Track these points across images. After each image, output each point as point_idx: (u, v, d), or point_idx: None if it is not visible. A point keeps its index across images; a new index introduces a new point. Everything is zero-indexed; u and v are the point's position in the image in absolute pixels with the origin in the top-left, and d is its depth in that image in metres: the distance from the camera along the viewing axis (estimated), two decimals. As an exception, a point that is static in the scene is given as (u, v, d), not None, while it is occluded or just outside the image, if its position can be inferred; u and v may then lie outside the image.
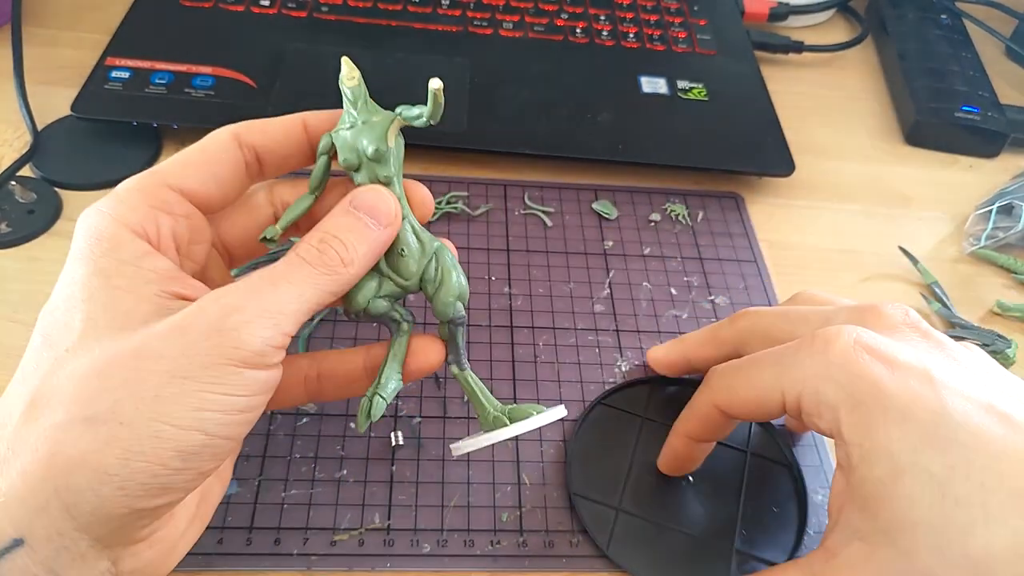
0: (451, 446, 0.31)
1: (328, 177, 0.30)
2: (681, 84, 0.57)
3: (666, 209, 0.50)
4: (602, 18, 0.61)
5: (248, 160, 0.29)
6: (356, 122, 0.29)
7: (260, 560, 0.33)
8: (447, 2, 0.60)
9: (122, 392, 0.22)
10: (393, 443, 0.37)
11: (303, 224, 0.30)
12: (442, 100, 0.27)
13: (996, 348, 0.44)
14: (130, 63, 0.51)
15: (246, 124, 0.29)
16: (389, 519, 0.35)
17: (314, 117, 0.30)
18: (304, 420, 0.37)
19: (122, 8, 0.55)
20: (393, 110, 0.29)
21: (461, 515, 0.35)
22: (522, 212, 0.49)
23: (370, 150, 0.28)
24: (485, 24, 0.59)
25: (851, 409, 0.27)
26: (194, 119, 0.49)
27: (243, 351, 0.23)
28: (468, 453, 0.33)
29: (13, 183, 0.45)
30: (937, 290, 0.48)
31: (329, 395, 0.32)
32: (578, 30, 0.60)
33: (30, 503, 0.22)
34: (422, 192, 0.31)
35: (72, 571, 0.22)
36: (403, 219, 0.29)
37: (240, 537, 0.33)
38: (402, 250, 0.29)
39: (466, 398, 0.33)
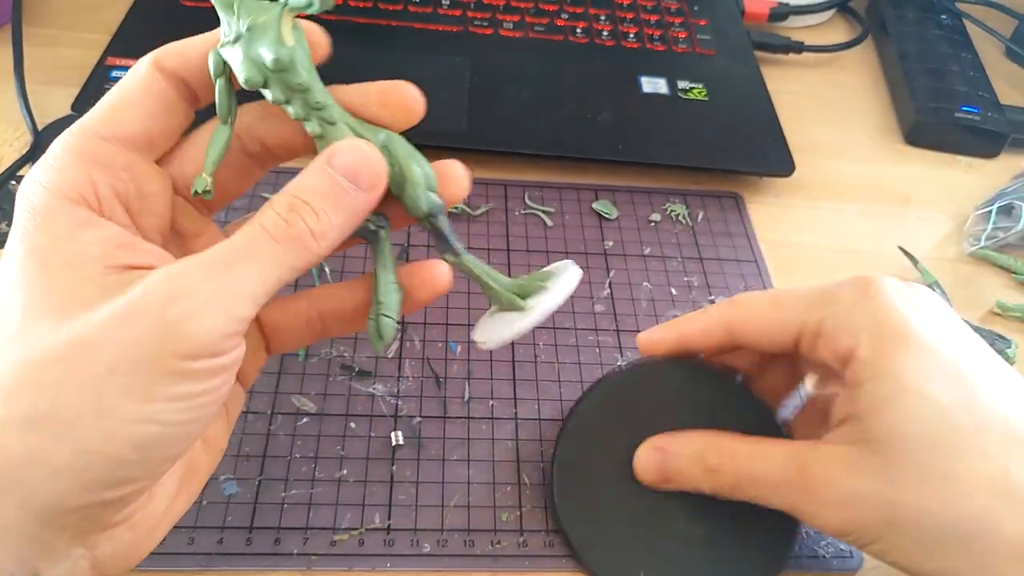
0: (476, 339, 0.29)
1: (235, 101, 0.26)
2: (681, 84, 0.57)
3: (666, 209, 0.50)
4: (602, 18, 0.61)
5: (178, 89, 0.26)
6: (240, 31, 0.25)
7: (260, 560, 0.33)
8: (447, 2, 0.60)
9: (62, 389, 0.21)
10: (393, 443, 0.37)
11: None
12: None
13: (996, 348, 0.44)
14: (130, 63, 0.51)
15: (163, 49, 0.26)
16: (389, 519, 0.35)
17: None
18: (304, 420, 0.37)
19: (122, 8, 0.55)
20: None
21: (461, 515, 0.35)
22: (522, 212, 0.49)
23: (268, 59, 0.24)
24: (485, 24, 0.59)
25: (875, 334, 0.28)
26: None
27: (191, 343, 0.21)
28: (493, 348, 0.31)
29: (13, 183, 0.45)
30: (937, 290, 0.48)
31: (335, 332, 0.30)
32: (578, 30, 0.60)
33: None
34: (454, 169, 0.27)
35: (45, 561, 0.21)
36: (341, 124, 0.25)
37: (240, 537, 0.33)
38: None
39: (474, 286, 0.29)
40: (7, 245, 0.23)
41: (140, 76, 0.25)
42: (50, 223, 0.23)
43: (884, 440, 0.27)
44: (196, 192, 0.25)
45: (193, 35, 0.56)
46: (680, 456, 0.32)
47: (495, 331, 0.28)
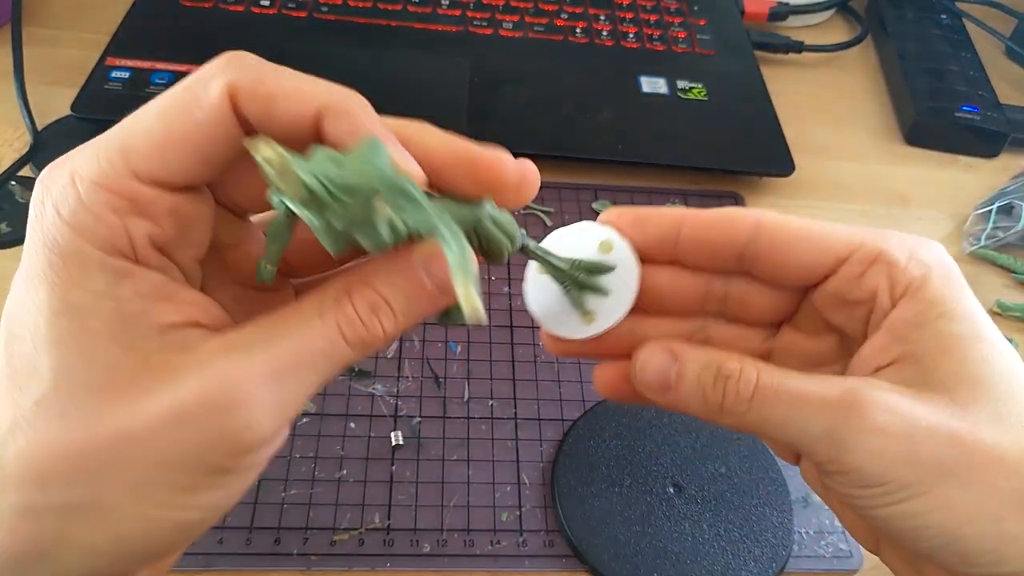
0: (533, 307, 0.26)
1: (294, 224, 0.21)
2: (681, 84, 0.57)
3: (666, 209, 0.50)
4: (602, 18, 0.61)
5: (248, 130, 0.21)
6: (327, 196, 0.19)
7: (260, 560, 0.33)
8: (447, 2, 0.60)
9: (106, 481, 0.19)
10: (393, 443, 0.37)
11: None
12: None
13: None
14: (130, 63, 0.51)
15: (248, 87, 0.20)
16: (389, 519, 0.35)
17: (333, 120, 0.20)
18: (304, 420, 0.37)
19: (122, 8, 0.55)
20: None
21: (461, 515, 0.35)
22: (522, 212, 0.49)
23: (370, 246, 0.20)
24: (485, 24, 0.59)
25: (944, 274, 0.23)
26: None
27: (245, 446, 0.20)
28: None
29: (13, 183, 0.45)
30: (937, 290, 0.48)
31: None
32: (578, 30, 0.60)
33: (17, 570, 0.20)
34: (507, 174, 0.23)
35: None
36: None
37: (240, 537, 0.33)
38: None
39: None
40: (26, 282, 0.20)
41: (210, 114, 0.20)
42: (84, 275, 0.20)
43: (953, 383, 0.22)
44: (260, 278, 0.22)
45: (193, 35, 0.55)
46: (694, 361, 0.24)
47: (556, 321, 0.26)
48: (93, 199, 0.20)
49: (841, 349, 0.26)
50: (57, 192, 0.20)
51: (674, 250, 0.26)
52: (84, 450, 0.19)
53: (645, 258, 0.26)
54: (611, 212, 0.26)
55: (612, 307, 0.26)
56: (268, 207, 0.21)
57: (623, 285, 0.26)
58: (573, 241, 0.26)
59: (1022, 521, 0.21)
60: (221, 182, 0.22)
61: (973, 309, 0.23)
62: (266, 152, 0.18)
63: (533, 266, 0.26)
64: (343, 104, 0.21)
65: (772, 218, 0.25)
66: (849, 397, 0.22)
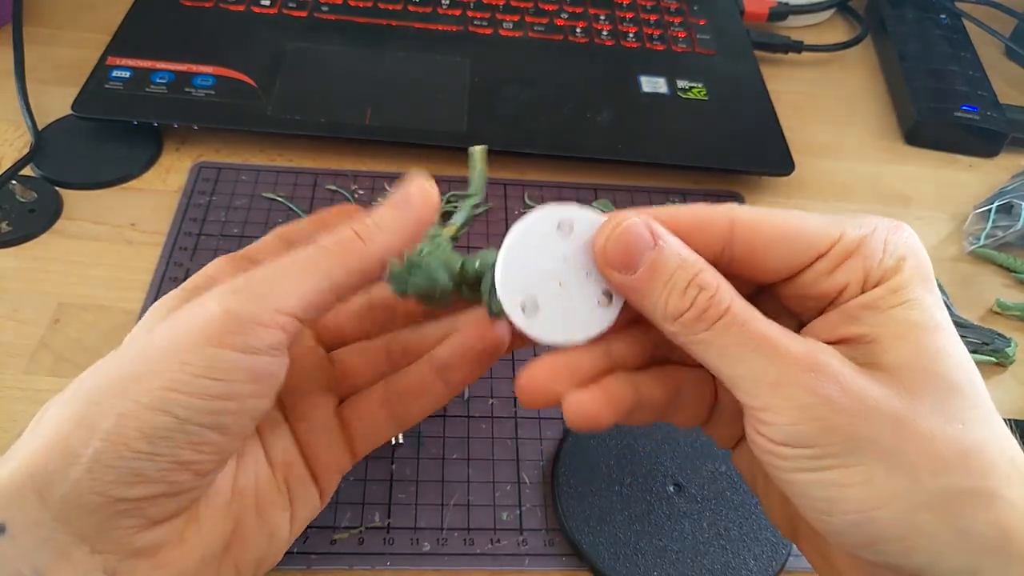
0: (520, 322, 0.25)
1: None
2: (681, 84, 0.57)
3: (666, 208, 0.50)
4: (602, 18, 0.61)
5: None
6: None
7: (260, 559, 0.33)
8: (447, 2, 0.60)
9: (100, 372, 0.22)
10: (393, 442, 0.37)
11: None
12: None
13: (996, 347, 0.44)
14: (130, 63, 0.51)
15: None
16: (389, 517, 0.35)
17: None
18: (304, 419, 0.37)
19: (122, 8, 0.56)
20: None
21: (461, 514, 0.35)
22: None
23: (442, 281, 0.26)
24: (485, 24, 0.59)
25: (914, 265, 0.23)
26: (194, 118, 0.49)
27: (219, 326, 0.22)
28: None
29: (14, 182, 0.45)
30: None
31: (414, 414, 0.30)
32: (578, 30, 0.60)
33: (8, 489, 0.21)
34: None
35: (58, 572, 0.21)
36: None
37: (240, 536, 0.33)
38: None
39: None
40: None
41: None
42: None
43: (905, 368, 0.22)
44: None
45: (193, 35, 0.55)
46: (674, 256, 0.23)
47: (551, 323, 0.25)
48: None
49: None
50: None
51: None
52: (113, 355, 0.24)
53: None
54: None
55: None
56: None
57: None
58: (531, 238, 0.24)
59: (937, 518, 0.21)
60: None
61: (935, 302, 0.23)
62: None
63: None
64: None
65: (747, 218, 0.24)
66: (811, 357, 0.22)
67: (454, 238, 0.28)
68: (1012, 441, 0.22)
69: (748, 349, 0.22)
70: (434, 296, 0.26)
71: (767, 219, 0.24)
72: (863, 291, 0.23)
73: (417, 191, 0.26)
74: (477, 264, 0.26)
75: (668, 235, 0.23)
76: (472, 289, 0.26)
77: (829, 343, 0.23)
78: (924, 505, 0.21)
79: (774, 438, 0.22)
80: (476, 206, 0.28)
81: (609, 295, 0.24)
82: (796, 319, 0.25)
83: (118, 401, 0.21)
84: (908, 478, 0.21)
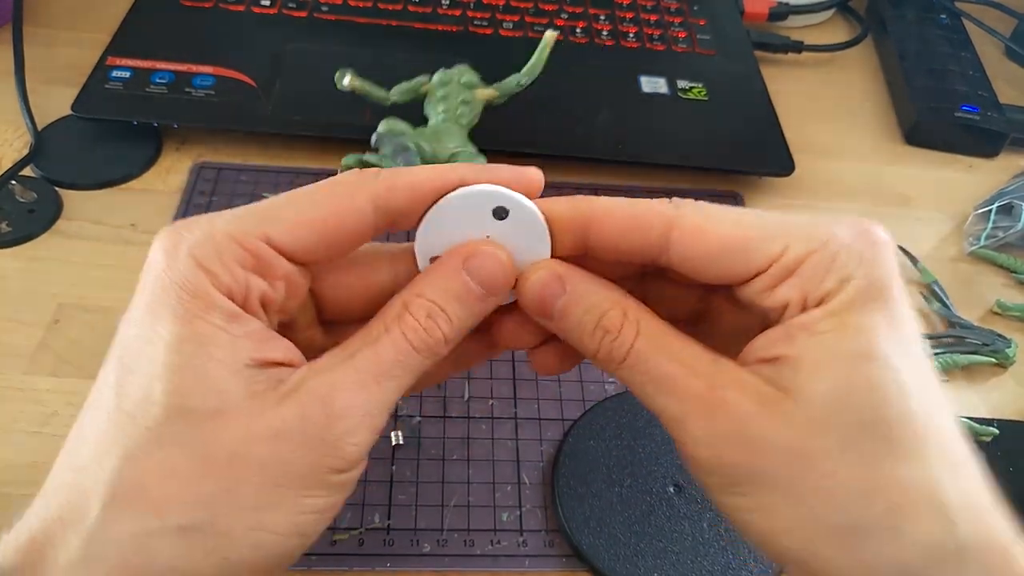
0: None
1: None
2: (681, 84, 0.57)
3: (666, 209, 0.50)
4: (602, 18, 0.61)
5: (380, 223, 0.24)
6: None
7: (260, 559, 0.33)
8: (447, 2, 0.60)
9: (220, 501, 0.21)
10: (393, 443, 0.37)
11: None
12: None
13: (996, 348, 0.44)
14: (130, 63, 0.51)
15: (387, 186, 0.24)
16: (389, 519, 0.35)
17: (471, 172, 0.24)
18: (304, 420, 0.37)
19: (122, 8, 0.55)
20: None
21: (461, 515, 0.35)
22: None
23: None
24: (485, 24, 0.59)
25: (861, 289, 0.22)
26: (194, 119, 0.49)
27: (343, 462, 0.22)
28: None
29: (14, 183, 0.45)
30: (937, 289, 0.48)
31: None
32: (578, 30, 0.60)
33: None
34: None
35: None
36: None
37: (240, 536, 0.33)
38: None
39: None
40: (147, 316, 0.22)
41: (352, 208, 0.23)
42: (208, 311, 0.22)
43: (817, 399, 0.21)
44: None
45: (193, 35, 0.55)
46: (580, 300, 0.24)
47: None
48: (228, 251, 0.22)
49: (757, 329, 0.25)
50: (194, 240, 0.22)
51: (583, 248, 0.25)
52: (199, 474, 0.21)
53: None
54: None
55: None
56: (343, 310, 0.26)
57: (534, 245, 0.25)
58: (461, 212, 0.24)
59: (838, 550, 0.21)
60: (324, 274, 0.26)
61: (884, 327, 0.22)
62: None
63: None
64: (473, 167, 0.24)
65: (687, 224, 0.23)
66: (710, 394, 0.22)
67: (491, 104, 0.29)
68: (950, 481, 0.21)
69: (652, 387, 0.23)
70: None
71: (707, 228, 0.23)
72: (803, 310, 0.23)
73: (502, 277, 0.24)
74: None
75: (577, 279, 0.24)
76: None
77: (765, 360, 0.23)
78: (823, 536, 0.21)
79: (690, 465, 0.23)
80: (520, 84, 0.31)
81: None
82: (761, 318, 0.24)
83: (255, 533, 0.21)
84: (806, 509, 0.21)
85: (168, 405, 0.21)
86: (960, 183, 0.56)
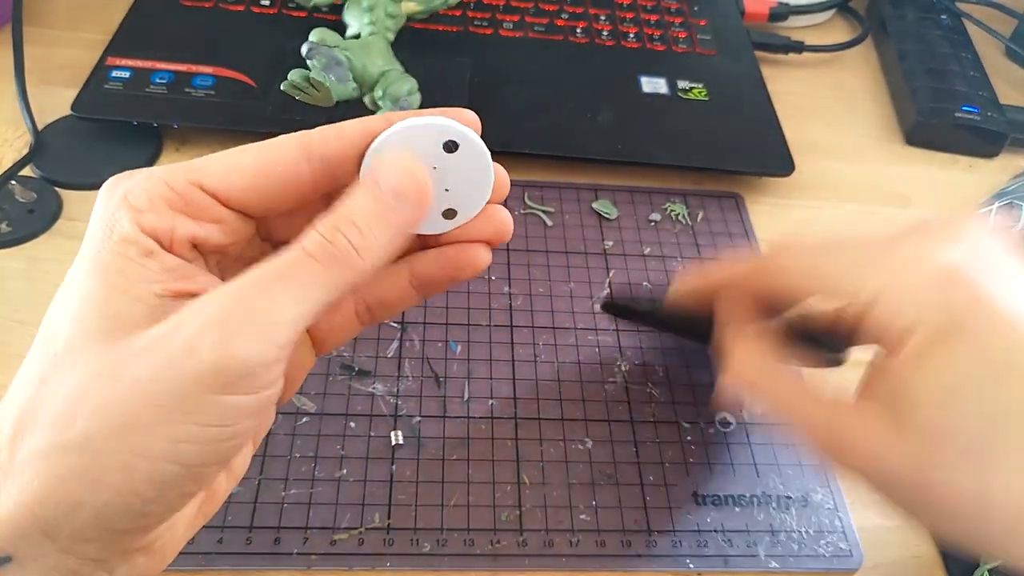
0: None
1: None
2: (681, 84, 0.57)
3: (666, 209, 0.50)
4: (602, 18, 0.61)
5: (317, 174, 0.25)
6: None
7: (260, 559, 0.33)
8: (447, 2, 0.60)
9: (96, 417, 0.20)
10: (393, 442, 0.37)
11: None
12: None
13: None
14: (130, 63, 0.51)
15: (319, 133, 0.25)
16: (389, 518, 0.35)
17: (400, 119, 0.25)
18: (304, 420, 0.37)
19: (122, 8, 0.56)
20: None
21: (461, 514, 0.35)
22: (522, 212, 0.49)
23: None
24: (485, 24, 0.59)
25: (932, 330, 0.26)
26: (194, 119, 0.49)
27: (224, 376, 0.20)
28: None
29: (13, 183, 0.45)
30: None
31: (383, 318, 0.29)
32: (578, 30, 0.60)
33: (13, 527, 0.21)
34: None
35: None
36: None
37: (240, 536, 0.33)
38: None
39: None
40: (79, 257, 0.23)
41: (283, 154, 0.24)
42: (123, 246, 0.22)
43: (922, 430, 0.26)
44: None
45: (193, 35, 0.56)
46: (728, 391, 0.32)
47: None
48: (156, 191, 0.23)
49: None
50: (130, 184, 0.24)
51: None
52: (82, 391, 0.21)
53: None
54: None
55: (470, 202, 0.27)
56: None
57: (479, 180, 0.26)
58: (410, 143, 0.25)
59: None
60: (270, 224, 0.26)
61: (966, 350, 0.25)
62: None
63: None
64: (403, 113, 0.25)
65: (773, 267, 0.31)
66: (828, 427, 0.28)
67: (411, 18, 0.31)
68: None
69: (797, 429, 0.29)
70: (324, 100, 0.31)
71: (798, 267, 0.30)
72: (887, 350, 0.27)
73: (411, 185, 0.24)
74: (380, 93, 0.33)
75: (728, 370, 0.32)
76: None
77: (871, 387, 0.28)
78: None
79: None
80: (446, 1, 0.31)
81: (453, 213, 0.27)
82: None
83: (123, 455, 0.20)
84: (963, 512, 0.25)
85: (71, 332, 0.22)
86: (960, 183, 0.56)
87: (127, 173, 0.24)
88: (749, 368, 0.31)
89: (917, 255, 0.27)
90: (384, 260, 0.24)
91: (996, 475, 0.24)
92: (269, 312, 0.21)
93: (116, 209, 0.23)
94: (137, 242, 0.23)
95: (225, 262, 0.26)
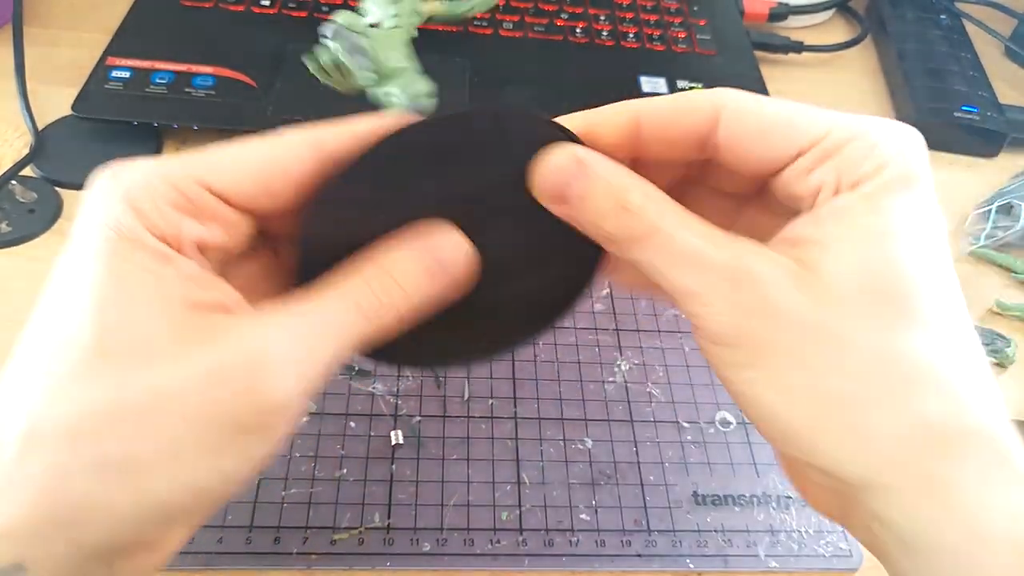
0: None
1: None
2: (681, 84, 0.57)
3: (666, 209, 0.50)
4: (602, 18, 0.61)
5: (326, 172, 0.24)
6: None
7: (260, 559, 0.33)
8: (447, 2, 0.60)
9: (137, 436, 0.20)
10: (393, 442, 0.37)
11: None
12: None
13: (996, 348, 0.44)
14: (130, 63, 0.51)
15: (333, 134, 0.24)
16: (389, 518, 0.35)
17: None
18: (304, 419, 0.37)
19: (122, 8, 0.56)
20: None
21: (461, 514, 0.35)
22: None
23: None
24: (485, 24, 0.59)
25: (897, 175, 0.23)
26: (195, 119, 0.49)
27: (271, 406, 0.21)
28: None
29: (14, 183, 0.45)
30: (936, 290, 0.48)
31: None
32: (578, 30, 0.60)
33: (33, 535, 0.20)
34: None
35: None
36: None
37: (240, 536, 0.33)
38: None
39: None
40: (76, 256, 0.22)
41: (292, 153, 0.24)
42: (134, 252, 0.22)
43: (839, 275, 0.22)
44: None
45: (193, 35, 0.56)
46: (600, 181, 0.24)
47: None
48: (161, 193, 0.22)
49: None
50: (129, 181, 0.22)
51: (635, 147, 0.25)
52: (117, 408, 0.20)
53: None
54: (562, 120, 0.25)
55: None
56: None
57: None
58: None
59: (838, 421, 0.21)
60: (267, 219, 0.25)
61: (911, 210, 0.22)
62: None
63: None
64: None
65: (735, 106, 0.24)
66: (733, 265, 0.22)
67: (429, 19, 0.30)
68: (961, 363, 0.21)
69: (675, 264, 0.23)
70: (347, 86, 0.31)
71: (755, 108, 0.24)
72: (836, 194, 0.23)
73: (457, 257, 0.24)
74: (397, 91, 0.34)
75: (596, 161, 0.24)
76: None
77: (790, 242, 0.23)
78: (829, 407, 0.21)
79: (704, 339, 0.23)
80: (472, 9, 0.30)
81: None
82: (791, 215, 0.25)
83: (172, 471, 0.21)
84: (817, 380, 0.21)
85: (90, 343, 0.21)
86: (960, 183, 0.56)
87: (122, 165, 0.23)
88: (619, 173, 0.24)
89: (893, 122, 0.25)
90: (406, 322, 0.24)
91: (907, 337, 0.21)
92: (315, 358, 0.22)
93: (120, 211, 0.22)
94: (151, 248, 0.22)
95: (225, 259, 0.25)
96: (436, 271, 0.24)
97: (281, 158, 0.24)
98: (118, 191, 0.22)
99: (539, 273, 0.27)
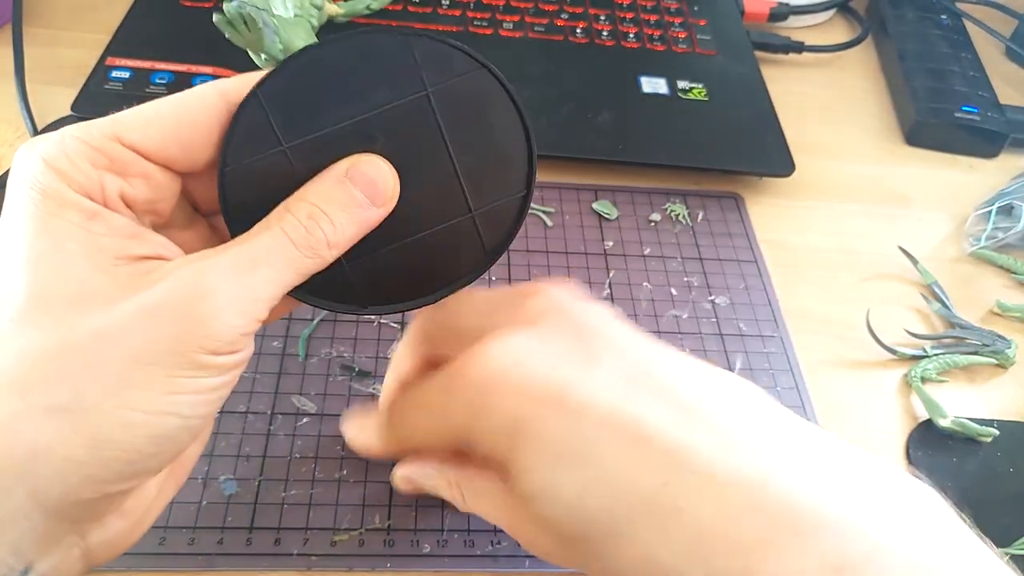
0: None
1: None
2: (681, 84, 0.57)
3: (666, 209, 0.50)
4: (602, 18, 0.61)
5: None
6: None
7: (260, 560, 0.33)
8: (447, 2, 0.60)
9: (84, 378, 0.21)
10: (393, 443, 0.37)
11: None
12: None
13: (996, 349, 0.44)
14: (130, 63, 0.51)
15: (238, 80, 0.25)
16: (389, 519, 0.35)
17: None
18: (304, 420, 0.37)
19: (122, 8, 0.56)
20: None
21: (461, 515, 0.35)
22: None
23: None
24: (485, 24, 0.59)
25: (505, 439, 0.25)
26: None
27: (215, 339, 0.22)
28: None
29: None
30: (937, 290, 0.48)
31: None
32: (578, 30, 0.60)
33: None
34: None
35: (38, 549, 0.22)
36: None
37: (240, 537, 0.33)
38: None
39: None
40: (5, 219, 0.23)
41: (202, 102, 0.24)
42: (61, 208, 0.22)
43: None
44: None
45: (193, 35, 0.56)
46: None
47: None
48: (75, 150, 0.23)
49: None
50: (45, 145, 0.23)
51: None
52: (61, 353, 0.21)
53: None
54: None
55: None
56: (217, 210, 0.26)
57: None
58: None
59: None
60: (189, 181, 0.26)
61: (532, 472, 0.24)
62: None
63: None
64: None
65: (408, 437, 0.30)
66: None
67: (332, 19, 0.30)
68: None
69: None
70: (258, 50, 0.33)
71: (422, 433, 0.30)
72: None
73: (384, 187, 0.25)
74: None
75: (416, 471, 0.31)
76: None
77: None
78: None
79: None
80: (368, 7, 0.30)
81: None
82: None
83: (122, 413, 0.21)
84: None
85: (28, 295, 0.21)
86: (960, 183, 0.56)
87: (39, 137, 0.23)
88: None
89: (467, 376, 0.26)
90: (338, 253, 0.25)
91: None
92: (252, 289, 0.23)
93: (40, 173, 0.22)
94: (77, 205, 0.22)
95: (158, 222, 0.26)
96: (361, 201, 0.25)
97: (190, 108, 0.24)
98: (35, 154, 0.23)
99: (465, 202, 0.28)
